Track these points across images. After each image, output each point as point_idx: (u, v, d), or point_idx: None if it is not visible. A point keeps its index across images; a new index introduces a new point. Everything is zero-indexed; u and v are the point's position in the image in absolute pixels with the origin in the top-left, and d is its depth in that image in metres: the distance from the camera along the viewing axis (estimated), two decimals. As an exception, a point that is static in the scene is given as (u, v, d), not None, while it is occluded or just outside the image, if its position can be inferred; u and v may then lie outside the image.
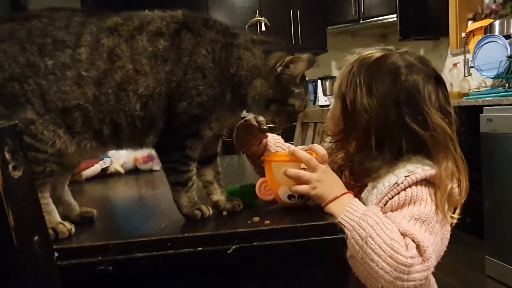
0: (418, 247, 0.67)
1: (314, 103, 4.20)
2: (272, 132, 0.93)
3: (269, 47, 0.75)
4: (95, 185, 1.30)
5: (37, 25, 0.66)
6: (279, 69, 0.72)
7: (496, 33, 2.78)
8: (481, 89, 3.04)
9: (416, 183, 0.74)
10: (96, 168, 1.39)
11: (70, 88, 0.66)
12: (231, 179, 1.13)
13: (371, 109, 0.79)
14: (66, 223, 0.68)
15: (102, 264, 0.63)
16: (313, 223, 0.67)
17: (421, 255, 0.67)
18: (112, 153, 1.44)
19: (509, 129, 2.05)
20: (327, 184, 0.75)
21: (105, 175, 1.40)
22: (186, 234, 0.65)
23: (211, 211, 0.75)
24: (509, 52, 2.56)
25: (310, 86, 4.19)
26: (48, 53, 0.65)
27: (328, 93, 4.10)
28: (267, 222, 0.68)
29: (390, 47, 0.86)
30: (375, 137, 0.79)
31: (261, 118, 0.86)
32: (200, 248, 0.63)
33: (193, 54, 0.70)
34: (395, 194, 0.74)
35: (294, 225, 0.66)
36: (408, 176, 0.74)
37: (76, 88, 0.66)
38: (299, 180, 0.74)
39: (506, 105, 2.26)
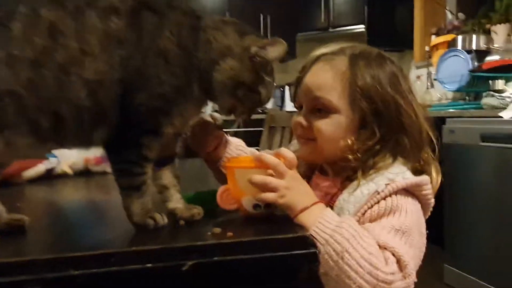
0: (398, 261, 0.63)
1: (281, 109, 4.19)
2: (228, 128, 0.84)
3: (243, 29, 0.67)
4: (37, 187, 1.17)
5: None
6: (253, 49, 0.64)
7: (459, 48, 2.87)
8: (442, 101, 3.13)
9: (396, 192, 0.70)
10: (40, 168, 1.26)
11: None
12: (192, 185, 1.03)
13: (398, 105, 0.75)
14: (-15, 233, 0.56)
15: (28, 284, 0.51)
16: (281, 236, 0.58)
17: (401, 271, 0.62)
18: (59, 152, 1.31)
19: (470, 140, 2.10)
20: (296, 192, 0.68)
21: (50, 176, 1.26)
22: (134, 248, 0.55)
23: (166, 220, 0.65)
24: (470, 66, 2.65)
25: (278, 92, 4.18)
26: None
27: (295, 99, 4.09)
28: (229, 234, 0.59)
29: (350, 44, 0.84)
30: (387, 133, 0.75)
31: (216, 114, 0.79)
32: (150, 265, 0.54)
33: (155, 37, 0.61)
34: (375, 203, 0.69)
35: (260, 238, 0.58)
36: (388, 184, 0.69)
37: (7, 71, 0.55)
38: (266, 188, 0.66)
39: (467, 117, 2.32)
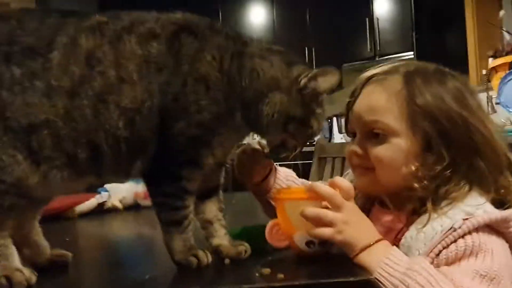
0: None
1: (329, 141, 4.08)
2: (278, 157, 0.78)
3: (290, 58, 0.63)
4: (87, 222, 1.18)
5: (4, 29, 0.56)
6: (303, 81, 0.60)
7: (522, 68, 2.65)
8: (507, 127, 2.87)
9: (477, 228, 0.59)
10: (92, 202, 1.28)
11: (37, 101, 0.54)
12: (239, 219, 0.98)
13: (467, 123, 0.66)
14: (26, 270, 0.54)
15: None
16: (340, 280, 0.51)
17: None
18: (110, 186, 1.33)
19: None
20: (356, 227, 0.60)
21: (101, 210, 1.27)
22: (175, 290, 0.50)
23: (210, 258, 0.60)
24: (538, 88, 2.42)
25: (325, 124, 4.10)
26: (15, 62, 0.54)
27: (343, 130, 3.98)
28: (280, 276, 0.52)
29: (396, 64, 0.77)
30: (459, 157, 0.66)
31: (264, 142, 0.73)
32: (192, 309, 0.48)
33: (195, 61, 0.58)
34: (451, 242, 0.58)
35: (316, 282, 0.51)
36: (467, 219, 0.59)
37: (45, 101, 0.55)
38: (321, 222, 0.59)
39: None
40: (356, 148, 0.71)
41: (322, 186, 0.60)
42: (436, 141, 0.65)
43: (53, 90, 0.55)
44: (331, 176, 1.58)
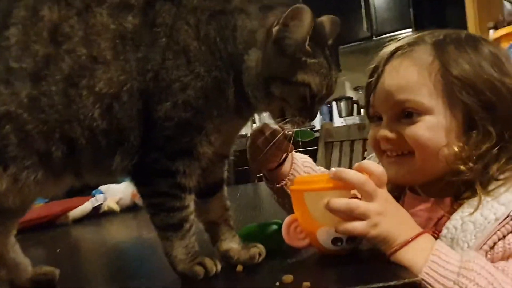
0: None
1: (330, 126, 4.00)
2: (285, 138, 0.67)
3: (270, 2, 0.52)
4: (82, 228, 1.11)
5: None
6: (275, 29, 0.49)
7: (528, 37, 2.55)
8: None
9: None
10: (86, 207, 1.21)
11: None
12: (247, 216, 0.89)
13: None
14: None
15: None
16: (380, 285, 0.42)
17: None
18: (105, 188, 1.26)
19: None
20: (393, 219, 0.50)
21: (97, 214, 1.20)
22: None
23: (219, 266, 0.51)
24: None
25: (325, 108, 4.01)
26: None
27: (343, 114, 3.89)
28: (306, 284, 0.43)
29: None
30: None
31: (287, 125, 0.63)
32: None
33: (173, 32, 0.49)
34: (508, 232, 0.50)
35: (350, 289, 0.42)
36: None
37: (3, 88, 0.46)
38: (351, 215, 0.49)
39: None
40: (386, 132, 0.61)
41: (349, 172, 0.51)
42: (480, 115, 0.57)
43: (12, 74, 0.46)
44: (340, 162, 1.49)
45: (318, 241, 0.52)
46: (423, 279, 0.45)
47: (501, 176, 0.55)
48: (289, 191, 0.58)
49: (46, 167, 0.48)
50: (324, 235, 0.52)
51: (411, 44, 0.62)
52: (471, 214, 0.53)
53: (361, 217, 0.49)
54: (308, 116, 0.53)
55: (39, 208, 1.11)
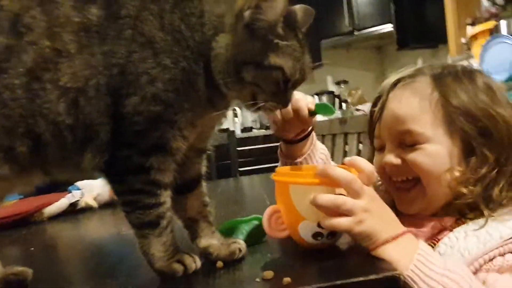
0: None
1: (311, 120, 4.01)
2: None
3: None
4: (58, 225, 1.07)
5: None
6: (247, 13, 0.47)
7: (503, 34, 2.61)
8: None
9: None
10: (63, 203, 1.18)
11: None
12: (227, 211, 0.88)
13: (506, 120, 0.62)
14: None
15: None
16: (361, 279, 0.41)
17: None
18: (82, 183, 1.22)
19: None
20: (378, 216, 0.51)
21: (74, 211, 1.17)
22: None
23: (198, 263, 0.50)
24: (520, 52, 2.39)
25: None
26: None
27: (326, 109, 3.91)
28: (287, 279, 0.43)
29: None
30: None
31: (310, 97, 0.67)
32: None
33: (138, 23, 0.47)
34: (510, 251, 0.53)
35: (332, 284, 0.41)
36: None
37: None
38: (337, 211, 0.49)
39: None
40: (391, 158, 0.64)
41: (337, 170, 0.50)
42: (478, 140, 0.61)
43: None
44: (331, 153, 1.49)
45: (299, 234, 0.52)
46: (408, 276, 0.46)
47: (507, 198, 0.58)
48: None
49: (11, 163, 0.46)
50: (305, 229, 0.51)
51: (412, 76, 0.66)
52: (476, 230, 0.55)
53: (347, 213, 0.49)
54: (281, 102, 0.51)
55: (12, 205, 1.08)
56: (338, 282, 0.41)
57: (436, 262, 0.48)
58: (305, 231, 0.51)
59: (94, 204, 1.19)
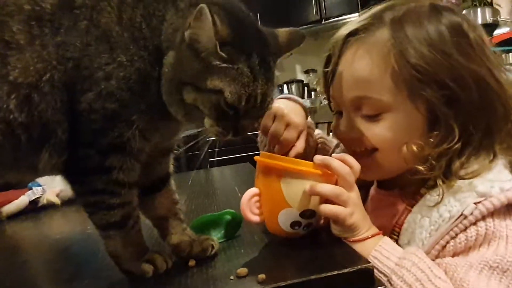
0: None
1: (281, 109, 4.04)
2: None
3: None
4: (18, 224, 1.02)
5: None
6: (186, 33, 0.44)
7: (464, 24, 2.71)
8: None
9: (493, 212, 0.49)
10: (22, 200, 1.12)
11: None
12: (198, 204, 0.86)
13: (479, 78, 0.53)
14: None
15: None
16: (336, 272, 0.41)
17: None
18: (44, 180, 1.16)
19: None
20: (361, 210, 0.52)
21: (35, 209, 1.11)
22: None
23: (170, 263, 0.49)
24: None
25: (276, 91, 4.03)
26: None
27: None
28: (261, 276, 0.42)
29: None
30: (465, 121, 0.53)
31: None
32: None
33: (94, 14, 0.44)
34: (461, 231, 0.50)
35: (307, 279, 0.41)
36: (479, 203, 0.49)
37: None
38: (332, 201, 0.50)
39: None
40: (347, 131, 0.58)
41: (336, 162, 0.50)
42: (443, 110, 0.53)
43: None
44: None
45: (277, 221, 0.51)
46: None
47: (462, 172, 0.52)
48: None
49: None
50: (286, 216, 0.51)
51: (368, 26, 0.56)
52: (430, 207, 0.53)
53: (342, 204, 0.50)
54: (231, 130, 0.46)
55: (-34, 205, 1.01)
56: (313, 277, 0.41)
57: (391, 256, 0.49)
58: (285, 218, 0.51)
59: (56, 201, 1.14)
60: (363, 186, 0.63)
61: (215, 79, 0.44)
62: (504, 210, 0.50)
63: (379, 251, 0.49)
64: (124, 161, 0.46)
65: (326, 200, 0.50)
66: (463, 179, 0.52)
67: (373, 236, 0.51)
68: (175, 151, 0.55)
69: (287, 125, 0.64)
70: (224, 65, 0.44)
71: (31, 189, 1.14)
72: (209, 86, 0.44)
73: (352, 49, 0.57)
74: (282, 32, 0.51)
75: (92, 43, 0.43)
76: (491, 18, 2.69)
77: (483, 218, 0.49)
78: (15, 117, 0.43)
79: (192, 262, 0.49)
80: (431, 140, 0.53)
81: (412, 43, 0.53)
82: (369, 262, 0.43)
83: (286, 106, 0.65)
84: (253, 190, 0.52)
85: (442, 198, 0.52)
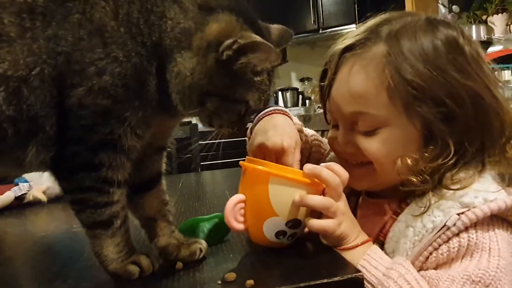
0: None
1: (275, 116, 4.04)
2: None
3: (209, 1, 0.47)
4: (3, 220, 1.00)
5: None
6: (226, 54, 0.44)
7: (458, 40, 2.76)
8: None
9: (476, 223, 0.49)
10: (8, 196, 1.10)
11: None
12: (187, 207, 0.85)
13: (475, 95, 0.52)
14: None
15: None
16: (325, 280, 0.41)
17: None
18: (30, 176, 1.14)
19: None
20: (350, 219, 0.52)
21: (21, 205, 1.09)
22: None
23: (156, 265, 0.48)
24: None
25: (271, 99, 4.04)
26: None
27: (289, 104, 3.96)
28: (249, 282, 0.41)
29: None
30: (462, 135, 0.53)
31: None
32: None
33: (87, 7, 0.44)
34: (444, 242, 0.49)
35: (296, 286, 0.40)
36: (463, 213, 0.48)
37: None
38: (319, 213, 0.50)
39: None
40: (344, 145, 0.58)
41: (325, 172, 0.49)
42: (439, 127, 0.52)
43: None
44: None
45: (262, 230, 0.50)
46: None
47: (449, 182, 0.52)
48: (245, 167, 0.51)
49: None
50: (272, 225, 0.50)
51: (364, 41, 0.56)
52: (414, 217, 0.52)
53: (331, 215, 0.49)
54: (238, 127, 0.50)
55: (-51, 199, 0.99)
56: (302, 284, 0.40)
57: (379, 266, 0.49)
58: (271, 227, 0.50)
59: (43, 197, 1.12)
60: (354, 193, 0.64)
61: (243, 91, 0.47)
62: (487, 221, 0.49)
63: (367, 260, 0.49)
64: (114, 159, 0.45)
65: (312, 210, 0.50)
66: (451, 189, 0.52)
67: (362, 243, 0.51)
68: (168, 149, 0.55)
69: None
70: (256, 78, 0.47)
71: (17, 184, 1.12)
72: (238, 97, 0.47)
73: (348, 65, 0.57)
74: (273, 28, 0.53)
75: (84, 37, 0.43)
76: (485, 36, 2.74)
77: (466, 229, 0.48)
78: (2, 110, 0.42)
79: (179, 265, 0.49)
80: (426, 154, 0.53)
81: (408, 60, 0.52)
82: (359, 271, 0.43)
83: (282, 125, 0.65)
84: (238, 196, 0.51)
85: (428, 208, 0.51)
